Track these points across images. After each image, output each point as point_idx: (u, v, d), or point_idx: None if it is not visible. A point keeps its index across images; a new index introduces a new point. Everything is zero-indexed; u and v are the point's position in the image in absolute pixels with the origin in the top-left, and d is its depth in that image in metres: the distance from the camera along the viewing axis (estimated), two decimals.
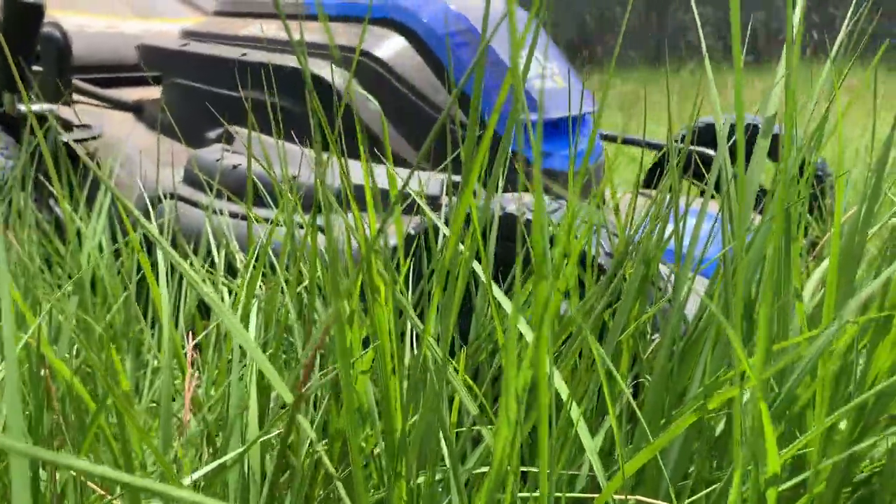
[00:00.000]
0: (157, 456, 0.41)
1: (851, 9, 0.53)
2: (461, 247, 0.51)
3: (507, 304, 0.47)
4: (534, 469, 0.58)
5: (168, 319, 0.57)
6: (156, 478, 0.55)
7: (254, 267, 0.66)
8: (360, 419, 0.71)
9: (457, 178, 1.13)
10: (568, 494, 0.48)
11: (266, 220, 0.97)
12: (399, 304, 0.47)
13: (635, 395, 0.65)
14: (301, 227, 0.77)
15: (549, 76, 1.22)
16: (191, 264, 1.01)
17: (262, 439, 0.56)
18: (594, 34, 8.32)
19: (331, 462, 0.66)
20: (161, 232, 1.04)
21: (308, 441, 0.57)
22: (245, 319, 0.58)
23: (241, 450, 0.45)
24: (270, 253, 0.64)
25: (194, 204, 1.14)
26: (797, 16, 0.53)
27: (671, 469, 0.55)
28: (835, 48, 0.53)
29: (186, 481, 0.43)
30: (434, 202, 1.02)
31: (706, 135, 1.46)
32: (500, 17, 1.27)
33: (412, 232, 0.84)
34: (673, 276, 0.57)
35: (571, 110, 1.18)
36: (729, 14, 0.52)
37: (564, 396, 0.46)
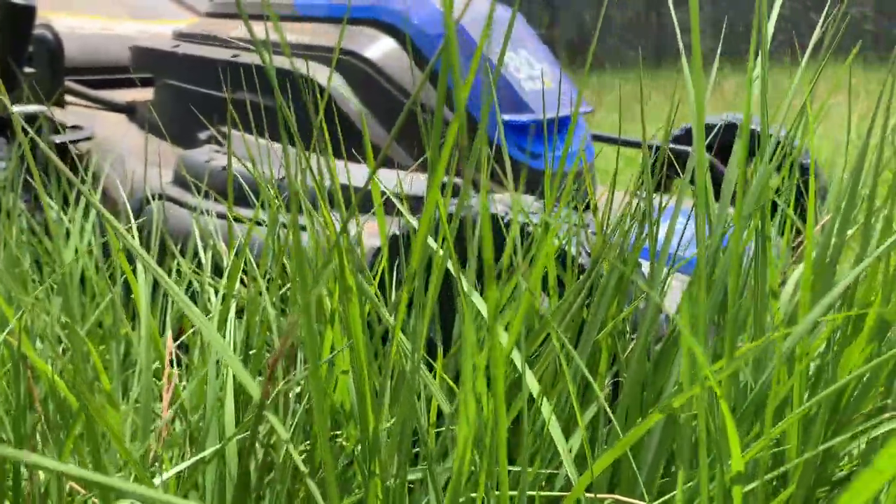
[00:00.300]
0: (126, 455, 0.41)
1: (826, 9, 0.53)
2: (434, 245, 0.51)
3: (478, 302, 0.47)
4: (514, 468, 0.58)
5: (146, 318, 0.57)
6: (130, 476, 0.55)
7: (234, 266, 0.66)
8: (345, 418, 0.71)
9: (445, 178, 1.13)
10: (542, 493, 0.48)
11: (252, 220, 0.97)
12: (371, 302, 0.47)
13: (616, 394, 0.65)
14: (285, 226, 0.77)
15: (538, 77, 1.22)
16: (178, 265, 1.01)
17: (238, 438, 0.56)
18: (594, 34, 8.32)
19: (314, 460, 0.67)
20: (149, 233, 1.04)
21: (289, 439, 0.57)
22: (222, 321, 0.58)
23: (213, 449, 0.46)
24: (249, 254, 0.64)
25: (183, 205, 1.14)
26: (772, 19, 0.53)
27: (648, 468, 0.55)
28: (809, 49, 0.53)
29: (157, 481, 0.43)
30: (421, 203, 1.02)
31: (689, 137, 1.46)
32: (485, 18, 1.27)
33: (398, 232, 0.84)
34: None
35: (560, 111, 1.19)
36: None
37: (536, 394, 0.46)
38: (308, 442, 0.68)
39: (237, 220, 1.04)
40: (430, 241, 0.55)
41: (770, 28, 0.52)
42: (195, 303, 1.01)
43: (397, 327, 0.42)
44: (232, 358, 0.40)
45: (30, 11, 1.24)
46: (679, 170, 0.62)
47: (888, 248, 0.43)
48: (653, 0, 8.40)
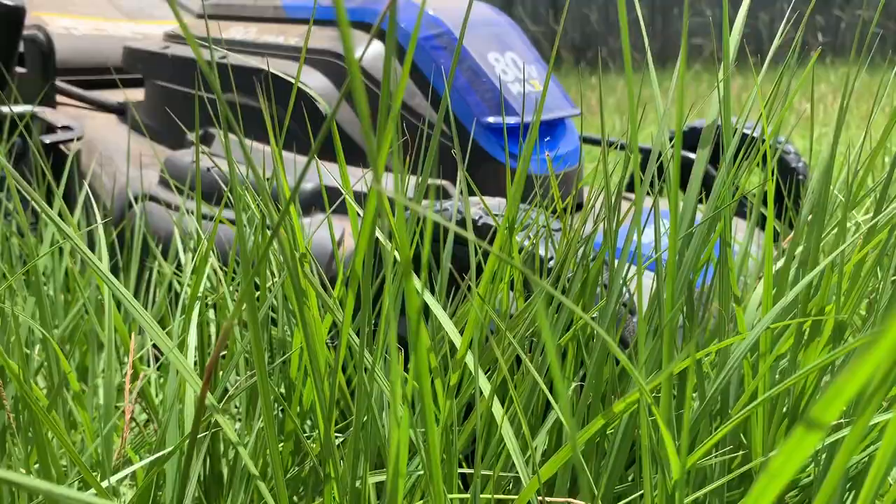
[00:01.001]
0: (74, 458, 0.42)
1: (787, 15, 0.53)
2: (388, 245, 0.51)
3: (431, 302, 0.47)
4: (470, 470, 0.58)
5: (111, 316, 0.57)
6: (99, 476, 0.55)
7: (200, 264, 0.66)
8: (314, 420, 0.71)
9: (439, 181, 1.13)
10: (495, 497, 0.48)
11: (232, 221, 0.97)
12: (322, 299, 0.47)
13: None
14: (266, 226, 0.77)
15: (526, 80, 1.22)
16: (159, 265, 1.01)
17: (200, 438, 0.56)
18: (598, 35, 8.31)
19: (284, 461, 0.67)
20: (132, 234, 1.05)
21: (239, 441, 0.57)
22: (188, 320, 0.58)
23: (167, 450, 0.46)
24: (213, 254, 0.64)
25: (168, 205, 1.14)
26: (738, 26, 0.53)
27: (608, 473, 0.55)
28: (771, 51, 0.53)
29: (105, 483, 0.43)
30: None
31: (691, 139, 1.45)
32: (476, 21, 1.28)
33: (377, 236, 0.84)
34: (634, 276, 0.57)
35: (547, 115, 1.18)
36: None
37: (487, 396, 0.46)
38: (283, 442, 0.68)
39: (220, 220, 1.04)
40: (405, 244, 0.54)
41: (735, 35, 0.52)
42: (176, 301, 1.02)
43: (345, 324, 0.42)
44: (178, 358, 0.40)
45: (19, 12, 1.24)
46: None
47: (838, 254, 0.43)
48: (657, 3, 8.40)
